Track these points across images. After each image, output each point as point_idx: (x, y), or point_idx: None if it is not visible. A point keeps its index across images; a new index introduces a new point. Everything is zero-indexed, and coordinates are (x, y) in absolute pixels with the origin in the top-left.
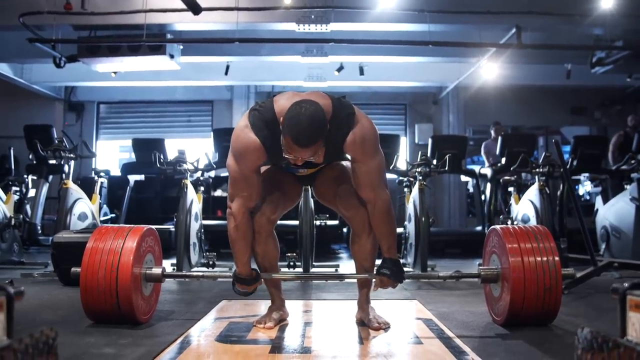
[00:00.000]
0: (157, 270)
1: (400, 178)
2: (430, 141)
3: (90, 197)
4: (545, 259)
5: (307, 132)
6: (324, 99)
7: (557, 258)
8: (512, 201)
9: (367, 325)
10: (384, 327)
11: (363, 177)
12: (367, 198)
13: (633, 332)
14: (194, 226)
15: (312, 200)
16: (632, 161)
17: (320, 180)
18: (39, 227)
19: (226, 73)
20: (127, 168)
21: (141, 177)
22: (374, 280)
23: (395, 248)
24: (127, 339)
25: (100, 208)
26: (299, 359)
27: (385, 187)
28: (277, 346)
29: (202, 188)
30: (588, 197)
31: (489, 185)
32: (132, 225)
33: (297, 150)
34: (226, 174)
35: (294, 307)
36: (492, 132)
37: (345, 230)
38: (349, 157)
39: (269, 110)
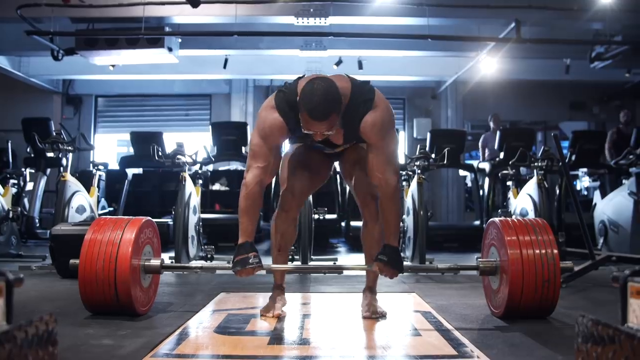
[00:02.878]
0: (155, 262)
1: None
2: (429, 135)
3: (88, 190)
4: (543, 251)
5: (320, 105)
6: (344, 82)
7: (555, 251)
8: (511, 195)
9: (364, 311)
10: (374, 316)
11: (374, 161)
12: (375, 181)
13: (634, 319)
14: (192, 219)
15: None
16: (630, 156)
17: (344, 160)
18: (37, 220)
19: (224, 66)
20: (125, 161)
21: (139, 170)
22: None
23: (396, 236)
24: (125, 330)
25: (99, 201)
26: (297, 350)
27: (394, 173)
28: (275, 337)
29: (200, 181)
30: (586, 192)
31: (487, 179)
32: (130, 216)
33: (312, 124)
34: (224, 167)
35: (292, 299)
36: (491, 123)
37: (343, 224)
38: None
39: (293, 91)
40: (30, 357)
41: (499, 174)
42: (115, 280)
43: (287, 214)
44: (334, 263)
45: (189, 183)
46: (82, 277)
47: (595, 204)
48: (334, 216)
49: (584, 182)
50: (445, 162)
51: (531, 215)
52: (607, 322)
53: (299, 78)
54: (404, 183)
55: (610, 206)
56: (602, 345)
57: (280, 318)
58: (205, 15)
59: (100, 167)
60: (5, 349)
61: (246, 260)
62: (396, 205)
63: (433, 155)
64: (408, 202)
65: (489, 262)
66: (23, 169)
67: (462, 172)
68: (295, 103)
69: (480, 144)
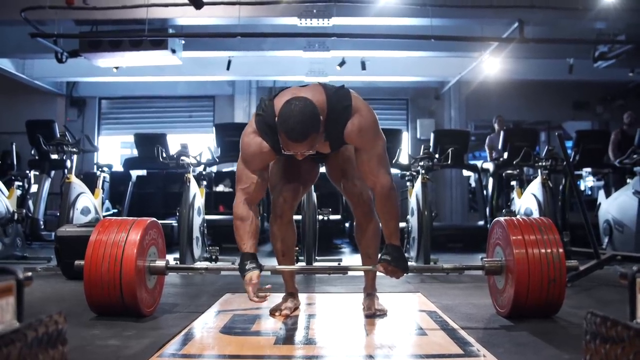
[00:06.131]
0: (160, 263)
1: (403, 172)
2: (432, 135)
3: (92, 192)
4: (549, 250)
5: (297, 127)
6: (320, 95)
7: (561, 250)
8: (515, 195)
9: (364, 311)
10: (377, 313)
11: (364, 164)
12: (369, 184)
13: None
14: (197, 220)
15: (314, 195)
16: (635, 155)
17: (331, 162)
18: (41, 222)
19: (228, 68)
20: (129, 163)
21: (143, 172)
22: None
23: (397, 235)
24: (131, 331)
25: (103, 203)
26: (303, 350)
27: (387, 173)
28: (281, 338)
29: (204, 182)
30: (589, 192)
31: (491, 179)
32: (135, 217)
33: (292, 145)
34: (228, 169)
35: None
36: (496, 125)
37: (347, 224)
38: None
39: (270, 114)
40: (40, 356)
41: (503, 174)
42: (121, 281)
43: (281, 219)
44: (339, 264)
45: (193, 184)
46: (88, 279)
47: (600, 204)
48: (338, 217)
49: (587, 181)
50: (449, 162)
51: (535, 214)
52: (616, 317)
53: (275, 96)
54: (408, 183)
55: (615, 205)
56: (611, 342)
57: (286, 318)
58: (208, 17)
59: (105, 168)
60: (16, 347)
61: (243, 267)
62: (394, 205)
63: (437, 156)
64: (412, 203)
65: (494, 261)
66: (27, 171)
67: (465, 173)
68: (274, 124)
69: (487, 145)
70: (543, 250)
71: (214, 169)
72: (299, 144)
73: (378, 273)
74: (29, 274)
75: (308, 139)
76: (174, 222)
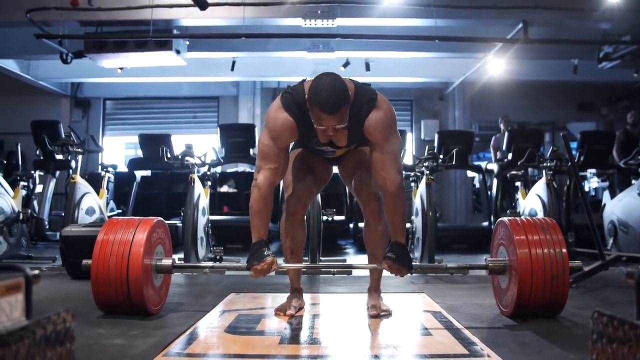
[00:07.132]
0: (167, 262)
1: (407, 173)
2: (436, 136)
3: (97, 192)
4: (552, 250)
5: (330, 99)
6: (349, 83)
7: (564, 250)
8: (519, 196)
9: (369, 311)
10: (381, 314)
11: (378, 160)
12: (379, 180)
13: None
14: (201, 221)
15: (319, 196)
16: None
17: (344, 163)
18: (46, 222)
19: (232, 69)
20: (134, 164)
21: (148, 172)
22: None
23: (403, 234)
24: (137, 330)
25: (107, 203)
26: (308, 350)
27: (398, 172)
28: (286, 337)
29: (209, 183)
30: (594, 193)
31: (495, 180)
32: (142, 217)
33: (325, 118)
34: (232, 169)
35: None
36: (501, 126)
37: (352, 225)
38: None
39: (299, 93)
40: (48, 353)
41: (508, 175)
42: (128, 279)
43: (293, 218)
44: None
45: (197, 185)
46: (95, 277)
47: (605, 205)
48: (342, 217)
49: (592, 182)
50: (453, 163)
51: (540, 215)
52: (623, 317)
53: (304, 80)
54: (412, 184)
55: (620, 206)
56: (618, 342)
57: (290, 318)
58: (213, 18)
59: (109, 169)
60: (25, 344)
61: (262, 254)
62: (402, 204)
63: (441, 157)
64: (417, 203)
65: (498, 261)
66: (32, 172)
67: (470, 174)
68: (302, 103)
69: (492, 145)
70: (546, 250)
71: (219, 169)
72: (332, 116)
73: (383, 272)
74: (37, 272)
75: (340, 110)
76: (178, 223)
